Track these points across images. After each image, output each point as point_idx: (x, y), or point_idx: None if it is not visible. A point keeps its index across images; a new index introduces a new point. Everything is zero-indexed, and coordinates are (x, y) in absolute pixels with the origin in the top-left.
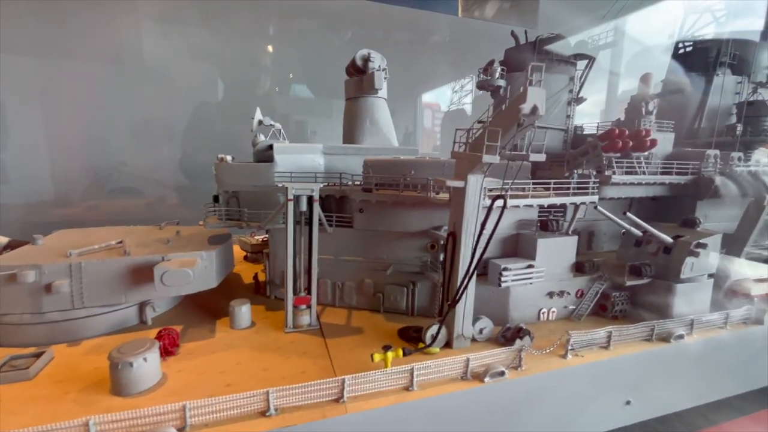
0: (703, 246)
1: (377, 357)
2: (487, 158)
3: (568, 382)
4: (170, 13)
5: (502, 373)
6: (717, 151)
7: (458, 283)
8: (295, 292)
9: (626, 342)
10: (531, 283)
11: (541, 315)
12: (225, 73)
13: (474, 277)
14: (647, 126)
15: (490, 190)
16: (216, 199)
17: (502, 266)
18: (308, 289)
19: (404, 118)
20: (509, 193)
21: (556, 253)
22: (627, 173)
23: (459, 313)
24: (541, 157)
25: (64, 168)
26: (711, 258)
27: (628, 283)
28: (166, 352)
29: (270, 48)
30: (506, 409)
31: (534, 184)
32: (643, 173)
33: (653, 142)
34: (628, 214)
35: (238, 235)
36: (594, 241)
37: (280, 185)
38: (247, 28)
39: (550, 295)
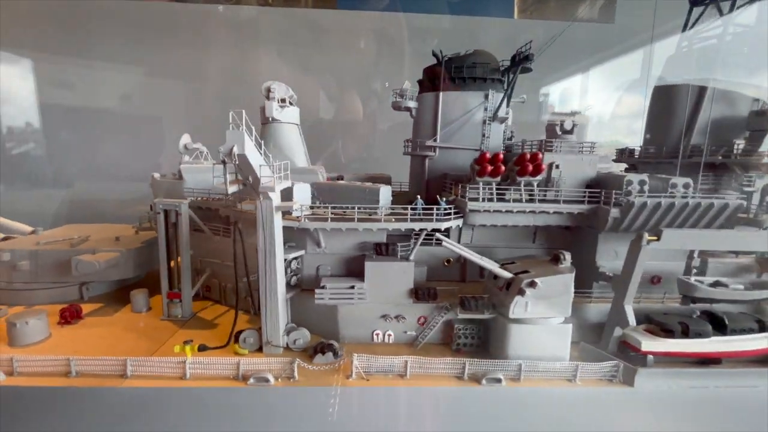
0: (533, 285)
1: (177, 348)
2: (230, 189)
3: (347, 402)
4: (285, 34)
5: (267, 380)
6: (644, 176)
7: (262, 297)
8: (171, 288)
9: (431, 375)
10: (353, 303)
11: (375, 337)
12: (326, 86)
13: (282, 290)
14: (555, 147)
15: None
16: (152, 207)
17: (321, 283)
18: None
19: None
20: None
21: (388, 277)
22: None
23: (264, 322)
24: (275, 188)
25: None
26: (562, 300)
27: (460, 316)
28: (65, 321)
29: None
30: (268, 412)
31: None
32: (517, 200)
33: (538, 168)
34: (445, 241)
35: None
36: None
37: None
38: (340, 44)
39: (385, 318)
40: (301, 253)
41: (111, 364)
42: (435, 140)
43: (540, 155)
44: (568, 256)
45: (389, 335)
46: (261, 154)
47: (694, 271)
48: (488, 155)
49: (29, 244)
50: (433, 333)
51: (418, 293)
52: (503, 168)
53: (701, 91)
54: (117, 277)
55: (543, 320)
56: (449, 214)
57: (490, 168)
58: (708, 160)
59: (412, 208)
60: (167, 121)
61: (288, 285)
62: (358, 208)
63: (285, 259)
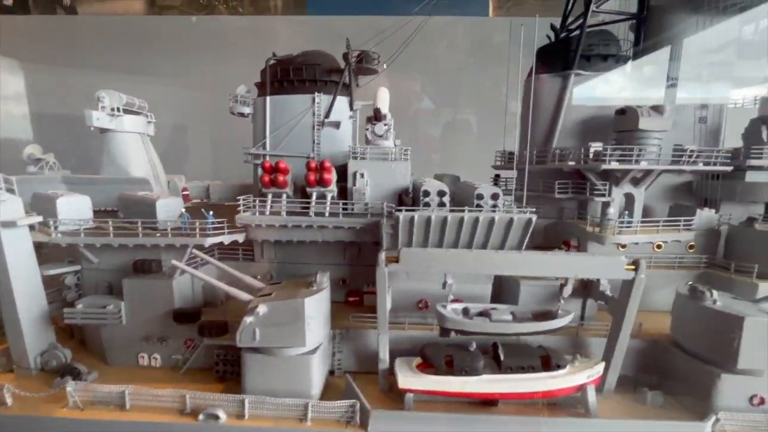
0: (253, 311)
1: None
2: None
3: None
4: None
5: None
6: (443, 186)
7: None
8: None
9: (153, 407)
10: (105, 324)
11: (140, 359)
12: None
13: (34, 309)
14: (360, 154)
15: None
16: None
17: (75, 302)
18: None
19: None
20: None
21: (146, 296)
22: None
23: (10, 344)
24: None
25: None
26: (295, 328)
27: (206, 342)
28: None
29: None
30: None
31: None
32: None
33: (325, 180)
34: (174, 261)
35: None
36: None
37: None
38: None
39: (148, 340)
40: (74, 268)
41: None
42: (260, 147)
43: (327, 163)
44: (323, 277)
45: (155, 358)
46: None
47: (451, 297)
48: (269, 164)
49: None
50: (199, 357)
51: (177, 315)
52: (282, 179)
53: (564, 83)
54: None
55: (282, 350)
56: (221, 228)
57: (268, 178)
58: (558, 166)
59: (172, 223)
60: (193, 130)
61: (64, 301)
62: (129, 222)
63: (59, 276)
